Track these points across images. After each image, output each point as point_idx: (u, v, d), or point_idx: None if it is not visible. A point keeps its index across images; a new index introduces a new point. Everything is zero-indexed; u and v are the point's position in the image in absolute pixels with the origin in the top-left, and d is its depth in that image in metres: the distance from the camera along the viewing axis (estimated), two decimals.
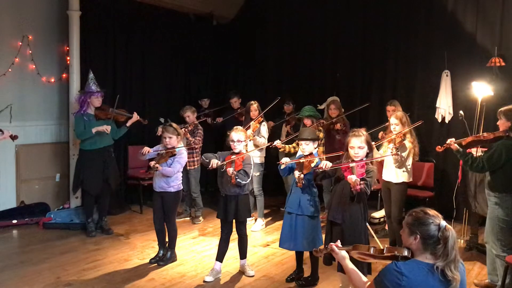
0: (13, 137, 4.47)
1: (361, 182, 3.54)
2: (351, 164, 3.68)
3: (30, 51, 6.19)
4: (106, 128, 5.57)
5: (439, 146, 4.49)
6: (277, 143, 5.45)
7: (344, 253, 2.57)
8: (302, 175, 4.10)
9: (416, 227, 2.26)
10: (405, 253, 2.31)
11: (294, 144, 5.70)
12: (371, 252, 2.47)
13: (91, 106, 5.67)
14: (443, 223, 2.24)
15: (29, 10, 6.21)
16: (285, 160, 4.24)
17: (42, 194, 6.44)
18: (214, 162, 4.30)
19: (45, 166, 6.51)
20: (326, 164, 3.83)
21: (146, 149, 4.73)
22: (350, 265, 2.54)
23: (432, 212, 2.29)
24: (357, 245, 2.59)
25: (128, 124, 5.85)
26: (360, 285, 2.46)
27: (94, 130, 5.55)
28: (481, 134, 4.47)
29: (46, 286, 4.21)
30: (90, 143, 5.65)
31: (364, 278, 2.51)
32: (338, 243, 2.65)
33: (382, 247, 2.47)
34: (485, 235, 4.31)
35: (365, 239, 3.76)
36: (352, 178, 3.55)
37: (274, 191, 7.32)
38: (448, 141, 4.35)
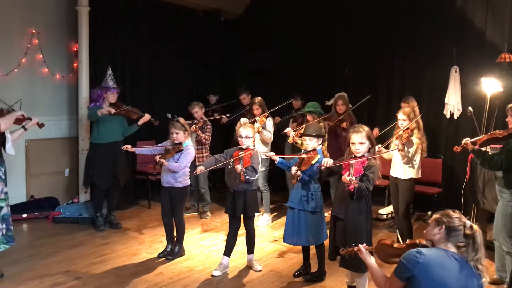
0: (40, 125, 4.54)
1: (354, 181, 3.50)
2: (351, 161, 3.67)
3: (40, 47, 6.23)
4: (109, 109, 5.60)
5: (456, 147, 4.45)
6: (288, 130, 5.48)
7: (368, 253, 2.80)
8: (298, 172, 4.08)
9: (443, 218, 2.45)
10: (425, 242, 2.49)
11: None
12: (394, 245, 2.67)
13: (106, 101, 5.71)
14: (468, 222, 2.43)
15: (39, 6, 6.25)
16: (270, 154, 4.27)
17: (52, 189, 6.49)
18: (198, 169, 4.37)
19: (54, 161, 6.56)
20: (327, 162, 3.83)
21: (125, 146, 4.83)
22: (372, 260, 2.74)
23: (459, 212, 2.50)
24: (382, 239, 2.81)
25: (140, 122, 5.86)
26: (381, 278, 2.62)
27: (99, 113, 5.56)
28: (495, 131, 4.43)
29: (55, 279, 4.26)
30: (100, 137, 5.69)
31: (384, 273, 2.65)
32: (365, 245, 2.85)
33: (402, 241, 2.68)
34: (494, 232, 4.29)
35: (367, 234, 3.75)
36: (346, 177, 3.49)
37: (280, 187, 7.32)
38: (464, 141, 4.32)
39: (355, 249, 2.83)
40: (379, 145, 4.84)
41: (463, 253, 2.37)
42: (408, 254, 2.37)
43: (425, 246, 2.47)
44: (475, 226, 2.41)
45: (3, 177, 4.25)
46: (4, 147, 4.25)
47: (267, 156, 4.31)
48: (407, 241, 2.61)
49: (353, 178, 3.47)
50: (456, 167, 6.44)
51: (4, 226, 4.20)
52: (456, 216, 2.44)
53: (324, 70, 7.82)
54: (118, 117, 5.78)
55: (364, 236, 3.67)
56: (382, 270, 2.68)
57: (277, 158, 4.31)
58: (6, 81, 5.87)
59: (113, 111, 5.62)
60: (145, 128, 6.26)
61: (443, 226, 2.42)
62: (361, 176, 3.65)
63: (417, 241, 2.54)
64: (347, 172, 3.53)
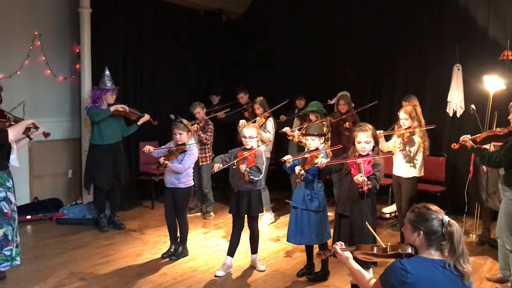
0: (46, 134, 4.48)
1: (368, 182, 3.50)
2: (358, 160, 3.66)
3: (42, 49, 6.24)
4: (124, 106, 5.69)
5: (454, 144, 4.46)
6: (286, 129, 5.47)
7: (347, 253, 2.58)
8: (302, 171, 4.07)
9: (419, 223, 2.25)
10: (409, 250, 2.30)
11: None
12: (375, 251, 2.47)
13: (105, 102, 5.73)
14: (446, 218, 2.23)
15: (41, 8, 6.27)
16: (287, 157, 4.24)
17: (55, 190, 6.52)
18: (216, 166, 4.32)
19: (57, 162, 6.58)
20: (321, 161, 3.88)
21: (146, 147, 4.75)
22: (354, 265, 2.55)
23: (434, 207, 2.28)
24: (360, 246, 2.59)
25: (139, 123, 5.90)
26: (365, 284, 2.46)
27: (112, 109, 5.61)
28: (495, 129, 4.43)
29: (59, 280, 4.27)
30: (101, 138, 5.70)
31: (368, 276, 2.51)
32: (342, 244, 2.65)
33: (385, 246, 2.46)
34: (497, 230, 4.28)
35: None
36: (359, 178, 3.49)
37: (282, 185, 7.33)
38: (462, 138, 4.32)
39: (332, 251, 2.66)
40: (381, 131, 4.84)
41: (447, 256, 2.20)
42: (393, 271, 2.20)
43: (409, 255, 2.28)
44: (452, 222, 2.21)
45: (12, 189, 4.15)
46: (9, 159, 4.13)
47: (284, 160, 4.25)
48: (389, 249, 2.40)
49: (365, 178, 3.47)
50: (459, 165, 6.43)
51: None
52: (433, 216, 2.22)
53: (326, 69, 7.82)
54: (118, 118, 5.81)
55: (370, 234, 3.66)
56: (364, 274, 2.51)
57: (291, 161, 4.24)
58: (9, 83, 5.88)
59: (127, 108, 5.70)
60: (147, 128, 6.28)
61: (421, 232, 2.22)
62: (369, 177, 3.64)
63: (399, 250, 2.33)
64: (360, 174, 3.52)
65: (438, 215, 2.23)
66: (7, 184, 4.07)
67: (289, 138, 5.72)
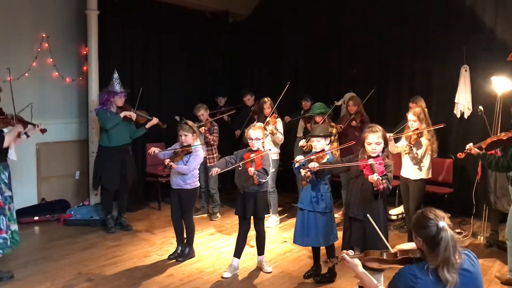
0: (43, 131, 4.70)
1: (383, 181, 3.49)
2: (369, 161, 3.64)
3: (50, 51, 6.28)
4: (131, 114, 5.73)
5: (460, 153, 4.45)
6: (302, 142, 5.46)
7: (356, 260, 2.54)
8: (308, 173, 4.06)
9: (417, 230, 2.21)
10: (418, 254, 2.26)
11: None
12: (384, 257, 2.43)
13: (113, 105, 5.75)
14: (442, 224, 2.13)
15: (48, 10, 6.31)
16: (299, 158, 4.22)
17: (62, 191, 6.55)
18: (214, 171, 4.34)
19: (65, 164, 6.61)
20: (313, 165, 3.92)
21: (152, 149, 4.75)
22: (362, 270, 2.51)
23: (433, 213, 2.18)
24: (368, 252, 2.55)
25: (148, 126, 5.92)
26: None
27: (122, 114, 5.66)
28: (500, 134, 4.40)
29: (67, 281, 4.29)
30: (109, 140, 5.73)
31: (377, 282, 2.47)
32: (350, 252, 2.62)
33: (394, 251, 2.42)
34: (506, 232, 4.25)
35: (385, 235, 3.73)
36: (374, 177, 3.47)
37: (289, 188, 7.32)
38: (468, 146, 4.31)
39: (339, 259, 2.62)
40: (390, 134, 4.79)
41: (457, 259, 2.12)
42: (403, 277, 2.15)
43: (419, 259, 2.24)
44: (445, 228, 2.11)
45: (6, 181, 4.33)
46: (7, 152, 4.36)
47: (296, 162, 4.20)
48: (399, 254, 2.37)
49: (380, 177, 3.45)
50: (467, 167, 6.39)
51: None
52: (429, 223, 2.14)
53: (333, 70, 7.80)
54: (127, 120, 5.82)
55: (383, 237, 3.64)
56: (374, 281, 2.46)
57: (302, 161, 4.15)
58: (17, 85, 5.90)
59: (134, 116, 5.74)
60: (154, 130, 6.29)
61: (421, 241, 2.18)
62: (382, 178, 3.62)
63: (410, 254, 2.29)
64: (375, 174, 3.50)
65: (435, 220, 2.14)
66: (2, 176, 4.28)
67: (304, 148, 5.68)
